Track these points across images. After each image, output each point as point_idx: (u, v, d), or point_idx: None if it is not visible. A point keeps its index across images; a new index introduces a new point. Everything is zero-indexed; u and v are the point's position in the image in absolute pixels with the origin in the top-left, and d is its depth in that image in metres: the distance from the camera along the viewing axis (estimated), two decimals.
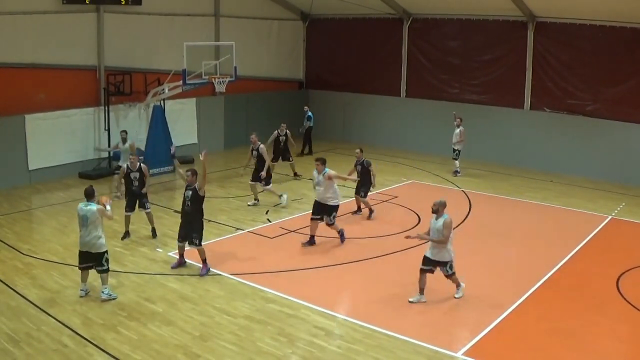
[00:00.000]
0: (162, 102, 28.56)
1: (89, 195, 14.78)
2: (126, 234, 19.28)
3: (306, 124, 32.29)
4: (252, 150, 23.30)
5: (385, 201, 23.64)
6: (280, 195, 23.11)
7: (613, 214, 22.65)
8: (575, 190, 26.15)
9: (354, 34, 35.94)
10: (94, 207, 14.59)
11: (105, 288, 14.99)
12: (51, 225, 20.69)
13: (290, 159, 27.40)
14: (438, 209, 14.70)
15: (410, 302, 14.94)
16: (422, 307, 14.85)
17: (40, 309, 14.34)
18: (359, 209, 22.26)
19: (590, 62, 28.10)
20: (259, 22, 35.37)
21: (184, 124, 31.27)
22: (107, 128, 27.97)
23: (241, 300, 14.98)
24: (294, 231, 20.20)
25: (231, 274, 16.54)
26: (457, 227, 20.72)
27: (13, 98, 25.44)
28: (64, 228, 20.24)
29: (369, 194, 22.14)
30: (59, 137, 26.33)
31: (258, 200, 23.22)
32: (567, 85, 28.92)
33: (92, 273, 15.11)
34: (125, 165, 19.55)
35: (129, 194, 19.34)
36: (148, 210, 19.42)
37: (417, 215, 21.94)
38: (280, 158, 27.08)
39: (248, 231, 20.22)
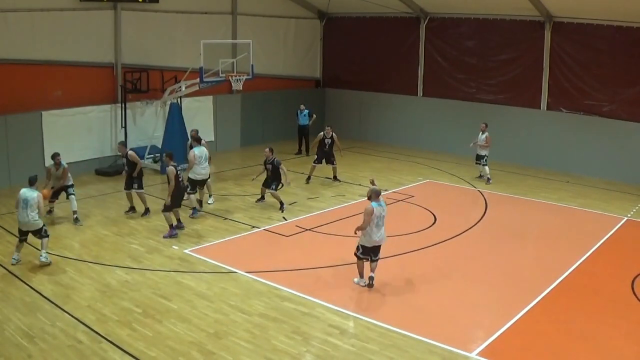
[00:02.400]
0: (179, 99, 28.63)
1: (32, 182, 16.92)
2: (130, 209, 21.73)
3: (309, 122, 31.98)
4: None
5: (401, 200, 23.62)
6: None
7: (629, 215, 22.54)
8: (590, 191, 26.04)
9: (371, 32, 35.89)
10: (34, 193, 16.74)
11: (44, 252, 16.87)
12: (67, 221, 20.77)
13: (334, 162, 26.59)
14: (370, 196, 15.59)
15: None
16: (437, 307, 14.84)
17: (55, 304, 14.42)
18: (263, 198, 23.11)
19: (607, 63, 27.95)
20: (276, 21, 35.39)
21: (201, 121, 31.23)
22: (123, 125, 28.07)
23: (256, 298, 15.01)
24: (310, 229, 20.22)
25: (246, 272, 16.58)
26: (472, 227, 20.85)
27: (30, 95, 25.61)
28: (80, 224, 20.34)
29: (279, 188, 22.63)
30: (75, 134, 26.43)
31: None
32: (584, 86, 28.77)
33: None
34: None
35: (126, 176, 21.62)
36: (139, 191, 21.44)
37: (433, 214, 21.92)
38: (324, 161, 26.45)
39: (264, 229, 20.23)
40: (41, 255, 16.71)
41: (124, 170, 21.58)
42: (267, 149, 22.39)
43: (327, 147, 26.43)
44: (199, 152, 21.68)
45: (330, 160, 26.47)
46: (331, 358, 12.39)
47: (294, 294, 15.31)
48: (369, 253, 15.67)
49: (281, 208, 22.11)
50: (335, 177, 26.72)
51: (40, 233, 16.90)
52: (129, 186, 21.34)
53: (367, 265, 15.87)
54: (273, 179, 22.27)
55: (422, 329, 13.57)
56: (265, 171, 22.52)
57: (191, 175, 21.54)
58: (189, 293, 15.24)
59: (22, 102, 25.28)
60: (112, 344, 12.63)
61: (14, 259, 16.90)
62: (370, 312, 14.50)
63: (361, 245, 15.66)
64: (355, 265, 15.99)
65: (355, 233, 15.67)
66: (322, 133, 26.65)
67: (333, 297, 15.08)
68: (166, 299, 14.84)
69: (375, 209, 15.30)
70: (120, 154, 21.46)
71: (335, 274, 16.70)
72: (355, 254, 15.84)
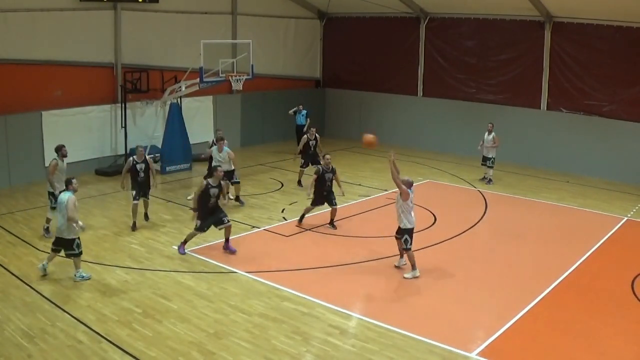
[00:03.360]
0: (179, 99, 28.63)
1: (66, 185, 16.05)
2: (134, 225, 20.10)
3: (307, 122, 31.98)
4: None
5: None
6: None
7: (629, 215, 22.54)
8: (591, 191, 26.04)
9: (371, 32, 35.89)
10: (65, 195, 15.54)
11: (78, 271, 15.84)
12: None
13: (320, 163, 26.07)
14: (400, 185, 16.44)
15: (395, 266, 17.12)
16: (437, 307, 14.85)
17: (55, 304, 14.41)
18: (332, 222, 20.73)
19: (607, 63, 27.96)
20: (276, 21, 35.41)
21: (201, 121, 31.33)
22: (123, 125, 28.06)
23: (256, 298, 15.00)
24: (310, 229, 20.20)
25: (246, 272, 16.58)
26: (472, 227, 20.85)
27: (30, 95, 25.62)
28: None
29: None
30: (75, 134, 26.37)
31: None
32: (584, 86, 28.79)
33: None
34: (131, 158, 20.49)
35: (136, 184, 20.06)
36: (147, 199, 20.56)
37: (433, 214, 21.91)
38: (310, 163, 25.78)
39: (264, 229, 20.25)
40: (75, 275, 15.77)
41: (139, 176, 19.95)
42: (328, 156, 20.86)
43: (312, 149, 26.01)
44: None
45: (316, 161, 25.57)
46: (331, 358, 12.39)
47: (294, 294, 15.31)
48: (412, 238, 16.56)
49: (332, 224, 20.56)
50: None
51: (71, 247, 15.60)
52: (141, 195, 20.08)
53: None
54: (330, 190, 20.45)
55: (422, 329, 13.56)
56: (323, 184, 20.32)
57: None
58: (189, 293, 15.23)
59: (22, 102, 25.29)
60: (112, 344, 12.62)
61: (42, 267, 15.94)
62: (370, 312, 14.48)
63: (408, 233, 16.44)
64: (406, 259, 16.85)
65: (391, 156, 16.87)
66: (305, 136, 26.25)
67: (333, 297, 15.06)
68: (166, 299, 14.83)
69: (410, 193, 16.40)
70: (137, 159, 20.04)
71: (335, 274, 16.71)
72: (406, 248, 16.49)
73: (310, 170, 25.83)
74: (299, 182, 25.76)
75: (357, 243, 19.00)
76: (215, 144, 22.51)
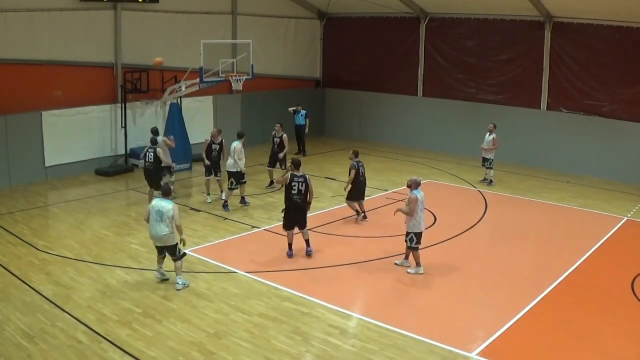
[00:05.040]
0: (179, 99, 28.62)
1: (166, 193, 15.45)
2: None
3: (306, 123, 31.93)
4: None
5: (401, 200, 23.54)
6: None
7: (629, 215, 22.52)
8: (591, 191, 26.02)
9: (371, 33, 35.87)
10: (170, 204, 15.10)
11: (180, 278, 15.51)
12: (67, 221, 20.78)
13: (281, 165, 25.45)
14: (411, 185, 16.68)
15: (395, 264, 17.31)
16: (437, 307, 14.85)
17: (55, 304, 14.41)
18: (362, 214, 21.47)
19: (607, 63, 27.94)
20: (276, 21, 35.40)
21: (201, 121, 31.27)
22: (123, 125, 28.05)
23: (256, 298, 15.00)
24: (309, 229, 20.14)
25: (246, 272, 16.57)
26: (472, 227, 20.83)
27: (30, 95, 25.60)
28: (80, 225, 20.33)
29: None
30: (75, 134, 26.43)
31: None
32: (584, 86, 28.76)
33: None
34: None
35: (166, 170, 22.43)
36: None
37: (433, 214, 21.89)
38: (278, 164, 25.54)
39: (264, 229, 20.24)
40: (176, 283, 15.47)
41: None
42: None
43: (275, 146, 25.44)
44: None
45: (274, 163, 25.46)
46: (331, 358, 12.39)
47: (294, 294, 15.31)
48: (420, 239, 16.68)
49: (362, 217, 21.24)
50: (270, 182, 25.46)
51: (174, 252, 15.39)
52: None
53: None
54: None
55: (422, 329, 13.57)
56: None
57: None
58: (189, 293, 15.23)
59: (22, 102, 25.28)
60: (112, 344, 12.62)
61: (157, 277, 15.93)
62: (370, 312, 14.49)
63: (414, 234, 16.53)
64: (412, 258, 16.93)
65: (395, 214, 16.87)
66: (273, 132, 25.73)
67: (333, 297, 15.07)
68: (166, 299, 14.83)
69: (418, 196, 16.40)
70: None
71: (335, 274, 16.70)
72: (410, 247, 16.70)
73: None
74: (271, 183, 25.38)
75: (357, 243, 18.98)
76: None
